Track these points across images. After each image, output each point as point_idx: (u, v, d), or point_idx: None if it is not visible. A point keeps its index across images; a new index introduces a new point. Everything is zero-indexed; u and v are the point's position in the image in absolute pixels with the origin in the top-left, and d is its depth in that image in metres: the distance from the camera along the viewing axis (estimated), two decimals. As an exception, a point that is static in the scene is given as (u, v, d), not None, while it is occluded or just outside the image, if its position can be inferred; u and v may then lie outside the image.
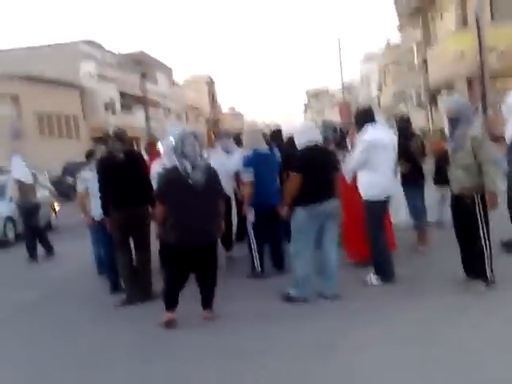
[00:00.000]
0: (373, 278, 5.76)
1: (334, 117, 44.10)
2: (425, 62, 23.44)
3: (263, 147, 6.76)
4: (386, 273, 5.75)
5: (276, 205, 6.16)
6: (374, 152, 5.70)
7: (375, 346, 4.22)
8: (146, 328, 5.18)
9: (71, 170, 20.39)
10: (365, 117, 6.03)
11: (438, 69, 21.59)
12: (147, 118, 33.51)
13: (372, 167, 5.73)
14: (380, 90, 36.53)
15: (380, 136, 5.81)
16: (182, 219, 4.99)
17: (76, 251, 9.40)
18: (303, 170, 5.33)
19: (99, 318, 5.75)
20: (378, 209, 5.79)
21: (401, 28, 28.67)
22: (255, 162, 6.51)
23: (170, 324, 5.05)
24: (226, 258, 7.46)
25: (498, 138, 6.89)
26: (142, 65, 42.80)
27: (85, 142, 31.27)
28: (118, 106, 37.93)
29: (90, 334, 5.28)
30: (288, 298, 5.47)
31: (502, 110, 6.92)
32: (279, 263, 6.69)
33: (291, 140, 6.56)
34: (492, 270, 5.20)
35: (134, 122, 37.99)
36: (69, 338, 5.20)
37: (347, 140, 7.32)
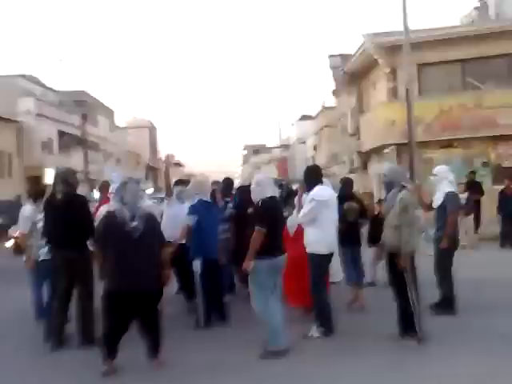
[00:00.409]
0: (315, 330, 6.14)
1: (271, 173, 45.19)
2: (357, 127, 24.76)
3: (207, 197, 7.10)
4: (327, 327, 6.16)
5: (217, 256, 6.50)
6: (321, 210, 6.21)
7: None
8: (84, 376, 5.21)
9: (1, 209, 19.45)
10: (314, 176, 6.56)
11: (369, 135, 22.84)
12: (86, 161, 33.09)
13: (318, 223, 6.21)
14: (315, 150, 37.94)
15: (326, 195, 6.37)
16: (119, 265, 5.07)
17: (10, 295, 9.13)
18: (269, 224, 5.60)
19: (36, 365, 5.72)
20: (323, 263, 6.25)
21: (336, 93, 30.27)
22: (201, 210, 6.81)
23: (108, 373, 5.09)
24: (187, 308, 7.42)
25: (428, 206, 7.54)
26: (84, 105, 42.48)
27: (18, 181, 30.47)
28: (55, 145, 36.99)
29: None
30: (270, 354, 5.55)
31: (431, 180, 7.64)
32: (224, 315, 6.91)
33: (244, 193, 6.94)
34: (421, 329, 5.72)
35: (72, 163, 37.31)
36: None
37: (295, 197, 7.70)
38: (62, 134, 37.85)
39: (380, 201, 8.51)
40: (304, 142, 44.59)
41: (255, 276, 5.64)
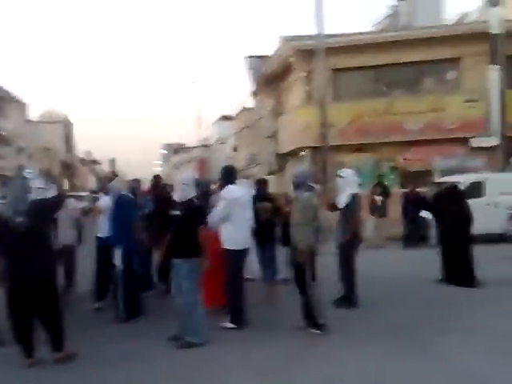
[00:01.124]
0: (229, 322, 6.52)
1: (191, 172, 44.99)
2: (275, 130, 25.16)
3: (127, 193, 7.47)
4: (240, 319, 6.55)
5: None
6: (233, 208, 6.54)
7: (225, 379, 5.00)
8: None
9: None
10: (229, 175, 6.87)
11: (286, 138, 23.30)
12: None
13: (232, 221, 6.55)
14: (235, 151, 38.16)
15: (240, 194, 6.72)
16: (10, 261, 5.23)
17: None
18: (198, 222, 5.96)
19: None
20: (239, 258, 6.60)
21: (255, 94, 30.60)
22: (123, 204, 7.14)
23: (32, 364, 5.30)
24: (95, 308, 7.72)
25: (333, 206, 7.83)
26: (-7, 98, 40.46)
27: None
28: None
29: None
30: (189, 345, 5.83)
31: (338, 182, 7.95)
32: (141, 309, 7.19)
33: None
34: (321, 319, 6.22)
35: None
36: None
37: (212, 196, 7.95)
38: (-31, 127, 35.91)
39: (287, 201, 8.71)
40: (224, 143, 44.77)
41: (195, 272, 5.90)
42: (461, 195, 9.40)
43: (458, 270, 8.75)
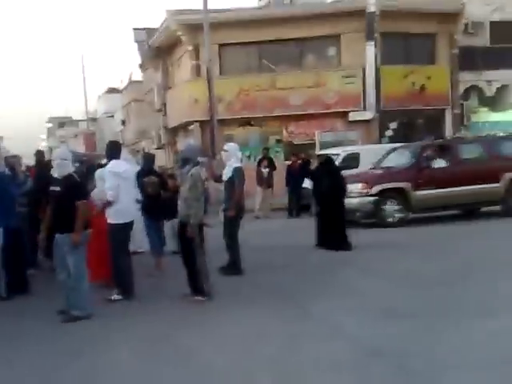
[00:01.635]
0: (116, 294, 6.71)
1: (78, 146, 43.47)
2: (164, 103, 25.07)
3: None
4: (127, 291, 6.74)
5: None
6: (120, 182, 6.68)
7: (115, 349, 5.14)
8: None
9: None
10: (113, 151, 7.01)
11: (175, 112, 23.34)
12: None
13: (118, 195, 6.66)
14: (123, 125, 37.38)
15: (121, 168, 6.86)
16: None
17: None
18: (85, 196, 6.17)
19: None
20: (123, 232, 6.77)
21: (143, 67, 30.13)
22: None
23: None
24: None
25: (218, 178, 8.23)
26: None
27: None
28: None
29: None
30: (75, 319, 5.95)
31: (222, 155, 8.32)
32: (25, 286, 7.20)
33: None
34: (207, 287, 6.55)
35: None
36: None
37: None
38: None
39: (171, 176, 9.00)
40: (112, 116, 43.61)
41: (74, 247, 5.96)
42: (335, 167, 10.23)
43: (333, 236, 9.56)
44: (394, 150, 13.52)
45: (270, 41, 20.75)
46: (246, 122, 20.95)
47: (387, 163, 12.97)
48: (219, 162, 9.57)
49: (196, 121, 20.96)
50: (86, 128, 47.66)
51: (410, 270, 7.68)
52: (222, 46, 20.97)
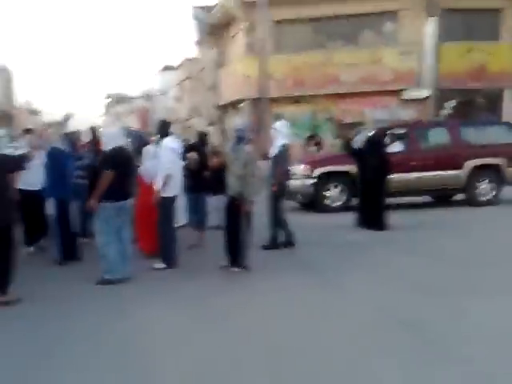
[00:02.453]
0: (160, 263, 7.02)
1: (133, 123, 44.33)
2: (217, 81, 25.11)
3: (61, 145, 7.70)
4: (171, 260, 7.05)
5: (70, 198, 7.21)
6: (173, 157, 6.96)
7: (156, 310, 5.42)
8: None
9: None
10: (163, 128, 7.35)
11: (227, 89, 23.38)
12: None
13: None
14: (177, 102, 37.77)
15: (176, 145, 7.24)
16: None
17: None
18: (115, 169, 6.26)
19: None
20: (170, 204, 7.01)
21: (199, 44, 30.23)
22: (55, 156, 7.41)
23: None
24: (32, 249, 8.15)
25: (266, 156, 8.21)
26: None
27: None
28: None
29: None
30: (106, 282, 6.31)
31: (271, 132, 8.29)
32: (76, 254, 7.58)
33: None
34: (245, 259, 6.79)
35: None
36: None
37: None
38: None
39: (216, 153, 8.98)
40: (166, 94, 44.13)
41: (100, 216, 6.35)
42: (381, 145, 9.91)
43: (373, 215, 9.39)
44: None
45: (327, 17, 20.35)
46: (297, 100, 20.73)
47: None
48: (267, 140, 9.49)
49: (247, 98, 20.90)
50: (140, 105, 48.50)
51: (446, 249, 7.79)
52: (277, 22, 20.71)
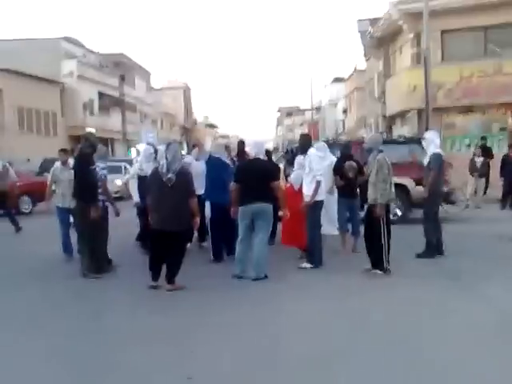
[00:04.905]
0: (307, 263, 7.67)
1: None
2: (383, 92, 25.46)
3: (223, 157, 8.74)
4: (317, 260, 7.67)
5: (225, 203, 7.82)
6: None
7: (294, 304, 6.05)
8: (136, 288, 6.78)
9: (48, 166, 20.36)
10: (306, 141, 8.22)
11: (393, 100, 23.56)
12: (124, 121, 34.35)
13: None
14: (345, 113, 38.57)
15: (321, 154, 8.18)
16: (157, 208, 6.55)
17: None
18: (239, 181, 7.25)
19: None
20: (320, 208, 7.67)
21: (366, 57, 30.80)
22: (212, 165, 8.50)
23: (153, 288, 6.61)
24: (198, 247, 9.26)
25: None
26: (122, 67, 43.72)
27: (62, 140, 32.18)
28: (96, 106, 38.08)
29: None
30: (234, 276, 7.14)
31: (422, 143, 8.78)
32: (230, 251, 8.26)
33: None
34: (388, 263, 7.14)
35: (111, 124, 38.92)
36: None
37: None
38: (101, 95, 38.86)
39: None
40: (335, 105, 45.17)
41: (238, 218, 7.25)
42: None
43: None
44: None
45: (496, 25, 19.72)
46: (467, 110, 20.32)
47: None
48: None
49: (413, 109, 20.99)
50: (310, 117, 50.09)
51: None
52: (444, 32, 20.54)
